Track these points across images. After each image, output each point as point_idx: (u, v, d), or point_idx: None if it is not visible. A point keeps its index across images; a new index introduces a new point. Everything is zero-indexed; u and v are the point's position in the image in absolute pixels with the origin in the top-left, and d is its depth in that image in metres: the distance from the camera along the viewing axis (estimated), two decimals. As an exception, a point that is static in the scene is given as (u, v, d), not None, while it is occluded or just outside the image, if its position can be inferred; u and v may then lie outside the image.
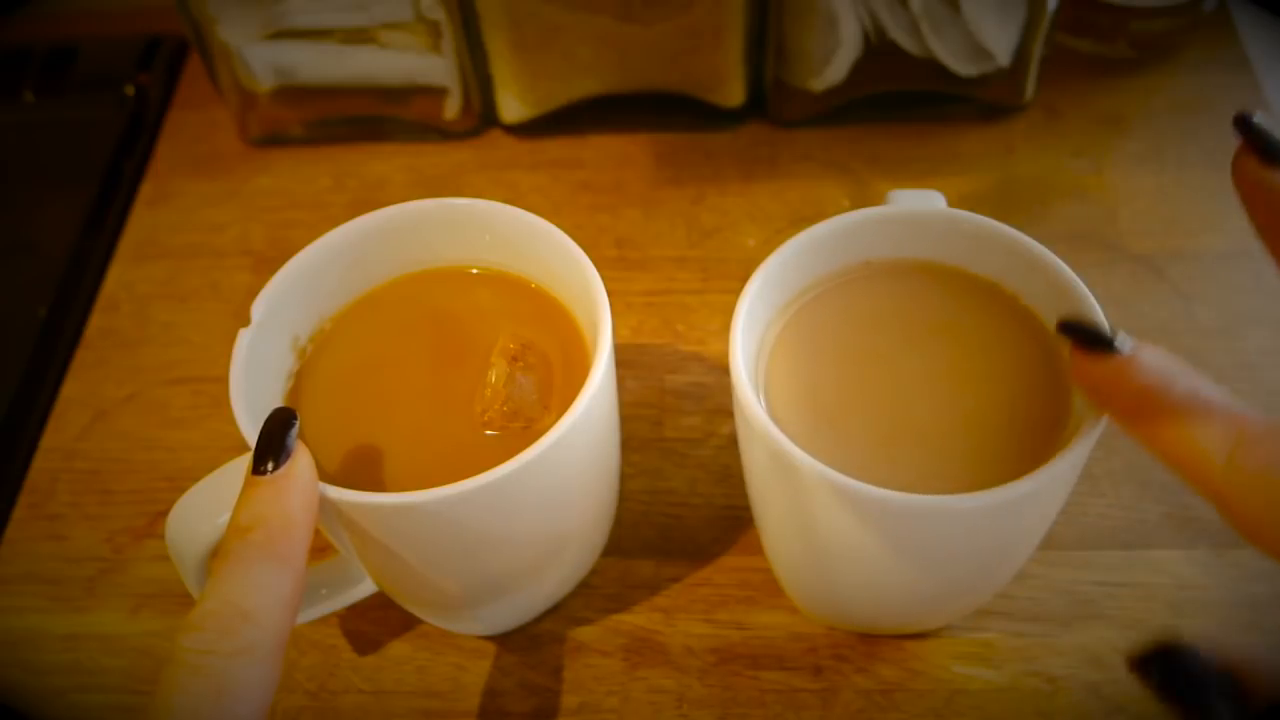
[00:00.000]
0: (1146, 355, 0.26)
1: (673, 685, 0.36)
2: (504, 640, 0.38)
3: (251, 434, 0.29)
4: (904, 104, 0.51)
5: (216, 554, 0.28)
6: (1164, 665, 0.22)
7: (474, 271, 0.37)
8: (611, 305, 0.32)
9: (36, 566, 0.41)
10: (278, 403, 0.33)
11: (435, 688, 0.37)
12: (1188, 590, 0.37)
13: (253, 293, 0.33)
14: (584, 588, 0.38)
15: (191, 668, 0.24)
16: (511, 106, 0.51)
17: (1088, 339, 0.27)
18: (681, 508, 0.40)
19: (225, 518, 0.28)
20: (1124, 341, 0.26)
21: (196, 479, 0.30)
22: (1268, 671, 0.22)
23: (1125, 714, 0.35)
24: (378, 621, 0.38)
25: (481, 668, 0.37)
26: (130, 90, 0.56)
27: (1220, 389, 0.25)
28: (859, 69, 0.49)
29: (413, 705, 0.36)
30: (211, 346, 0.47)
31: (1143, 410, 0.25)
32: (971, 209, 0.33)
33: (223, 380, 0.31)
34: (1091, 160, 0.50)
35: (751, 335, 0.32)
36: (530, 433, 0.31)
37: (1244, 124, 0.26)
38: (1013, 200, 0.49)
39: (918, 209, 0.34)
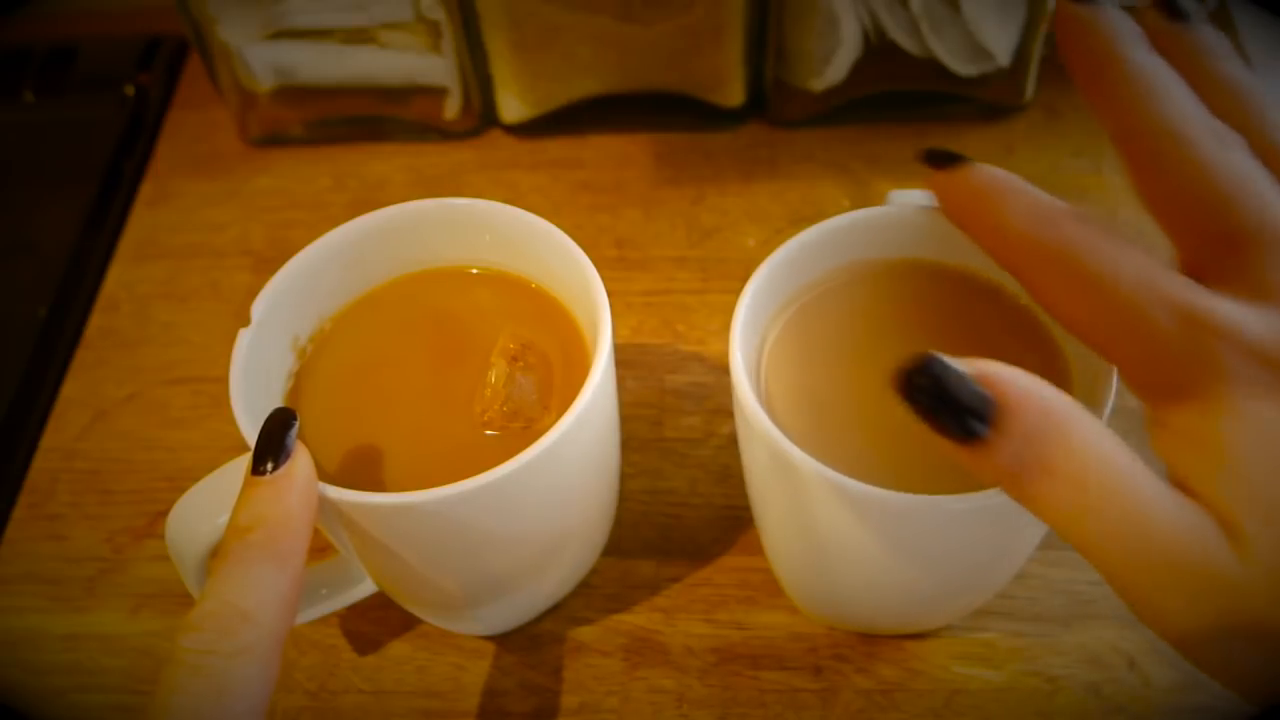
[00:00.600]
0: (983, 169, 0.27)
1: (673, 685, 0.36)
2: (504, 640, 0.38)
3: (251, 434, 0.29)
4: (904, 104, 0.51)
5: (216, 554, 0.28)
6: (930, 385, 0.23)
7: (474, 271, 0.37)
8: (611, 305, 0.32)
9: (36, 566, 0.41)
10: (278, 403, 0.33)
11: (435, 688, 0.37)
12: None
13: (253, 293, 0.33)
14: (584, 588, 0.38)
15: (191, 667, 0.24)
16: (511, 106, 0.51)
17: (936, 158, 0.28)
18: (681, 508, 0.40)
19: (225, 518, 0.28)
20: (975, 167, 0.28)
21: (196, 479, 0.30)
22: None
23: (1125, 714, 0.35)
24: (378, 621, 0.38)
25: (481, 668, 0.37)
26: (130, 90, 0.56)
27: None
28: (859, 69, 0.49)
29: (413, 705, 0.36)
30: (211, 346, 0.47)
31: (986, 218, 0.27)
32: (971, 209, 0.33)
33: (223, 380, 0.31)
34: (1091, 160, 0.50)
35: (751, 335, 0.32)
36: (530, 433, 0.31)
37: None
38: (1013, 200, 0.49)
39: (917, 209, 0.34)
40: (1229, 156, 0.25)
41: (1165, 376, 0.24)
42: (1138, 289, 0.24)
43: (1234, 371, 0.23)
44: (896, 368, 0.23)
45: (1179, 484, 0.24)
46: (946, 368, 0.23)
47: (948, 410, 0.23)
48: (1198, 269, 0.25)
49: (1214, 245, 0.25)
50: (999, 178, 0.27)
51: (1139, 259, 0.24)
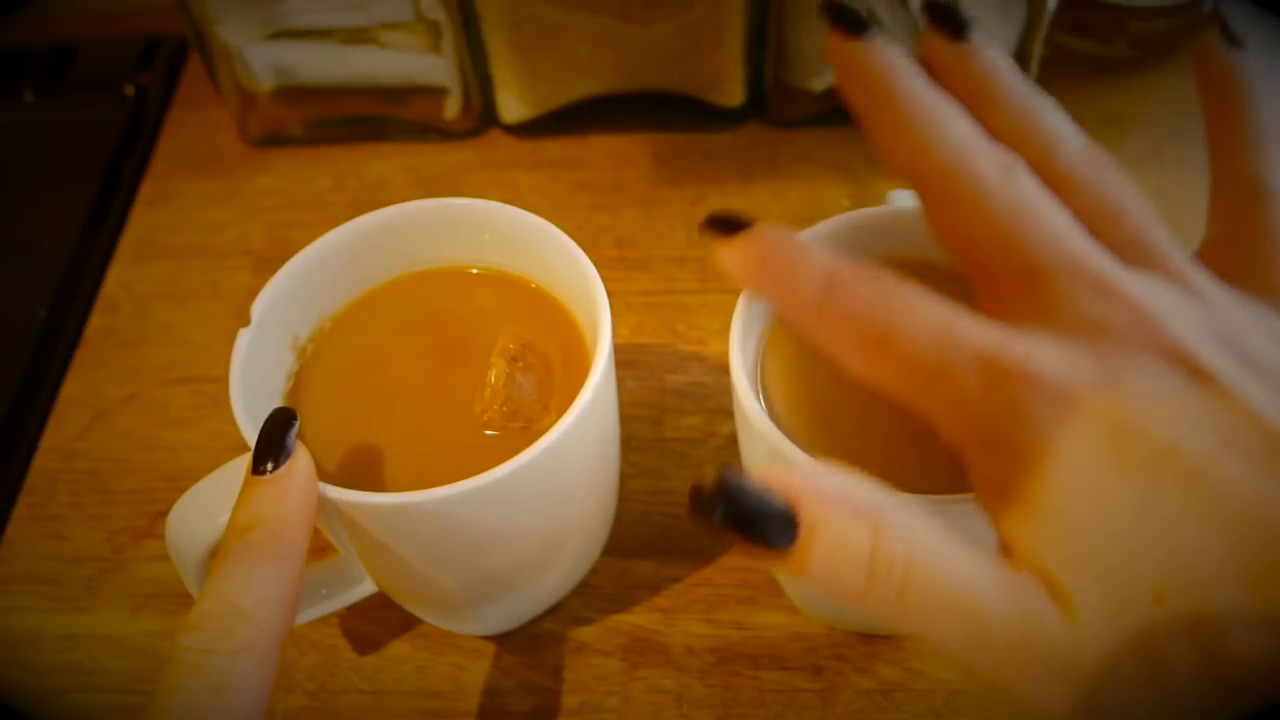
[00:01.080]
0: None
1: (673, 685, 0.36)
2: (504, 640, 0.38)
3: (251, 434, 0.29)
4: (904, 104, 0.51)
5: (216, 554, 0.28)
6: (730, 502, 0.21)
7: (474, 271, 0.37)
8: (611, 305, 0.32)
9: (36, 566, 0.41)
10: (278, 403, 0.33)
11: (435, 688, 0.37)
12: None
13: (253, 293, 0.33)
14: (584, 588, 0.38)
15: (191, 667, 0.24)
16: (511, 106, 0.51)
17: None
18: (681, 508, 0.40)
19: (225, 518, 0.28)
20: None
21: (196, 479, 0.30)
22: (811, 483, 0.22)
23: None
24: (378, 621, 0.38)
25: (481, 668, 0.37)
26: (130, 90, 0.56)
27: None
28: (859, 69, 0.49)
29: (413, 705, 0.36)
30: (211, 346, 0.47)
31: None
32: (971, 209, 0.33)
33: (223, 380, 0.31)
34: (1091, 160, 0.50)
35: (751, 335, 0.32)
36: (530, 433, 0.31)
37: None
38: (1013, 200, 0.49)
39: (917, 209, 0.34)
40: (1012, 186, 0.24)
41: (976, 432, 0.23)
42: (932, 344, 0.23)
43: (1038, 417, 0.22)
44: (692, 486, 0.22)
45: (1006, 550, 0.22)
46: (740, 486, 0.21)
47: (748, 527, 0.21)
48: (1000, 307, 0.24)
49: (1010, 280, 0.24)
50: (780, 242, 0.26)
51: (933, 311, 0.23)
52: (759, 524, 0.21)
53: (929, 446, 0.31)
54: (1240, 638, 0.20)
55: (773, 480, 0.21)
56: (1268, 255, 0.25)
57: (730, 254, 0.26)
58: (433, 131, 0.53)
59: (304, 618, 0.35)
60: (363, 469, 0.32)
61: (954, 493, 0.27)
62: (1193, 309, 0.23)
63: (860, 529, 0.21)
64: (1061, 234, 0.24)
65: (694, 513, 0.21)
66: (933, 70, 0.27)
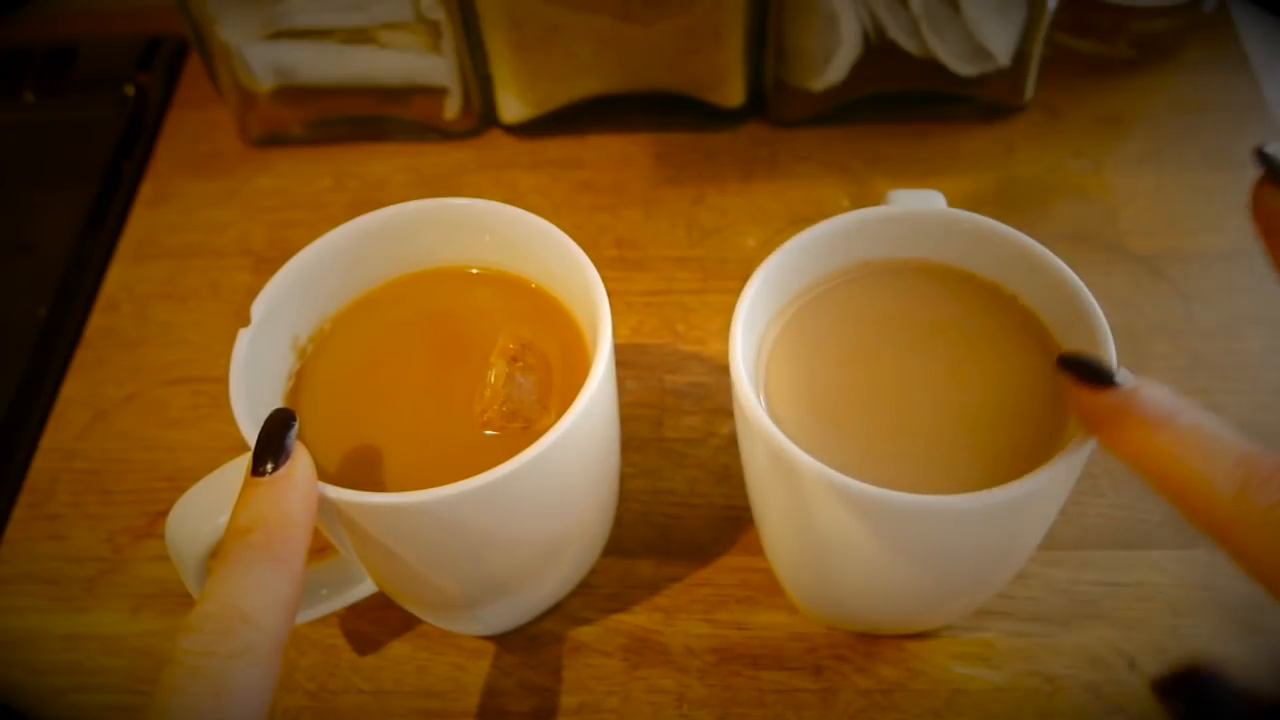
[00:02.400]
0: (1148, 390, 0.26)
1: (673, 685, 0.36)
2: (504, 640, 0.38)
3: (251, 434, 0.29)
4: (904, 104, 0.51)
5: (216, 554, 0.28)
6: (1190, 693, 0.22)
7: (474, 271, 0.37)
8: (611, 305, 0.32)
9: (36, 566, 0.41)
10: (278, 403, 0.33)
11: (435, 688, 0.37)
12: (1188, 590, 0.37)
13: (253, 293, 0.33)
14: (584, 588, 0.38)
15: (190, 669, 0.24)
16: (511, 106, 0.51)
17: (1088, 373, 0.26)
18: (681, 508, 0.40)
19: (225, 518, 0.28)
20: (1125, 377, 0.26)
21: (196, 479, 0.30)
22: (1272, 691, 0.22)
23: (1125, 714, 0.35)
24: (378, 621, 0.38)
25: (481, 668, 0.37)
26: (130, 90, 0.56)
27: (1226, 424, 0.24)
28: (859, 69, 0.49)
29: (413, 705, 0.36)
30: (211, 346, 0.47)
31: (1145, 444, 0.25)
32: (971, 209, 0.33)
33: (223, 380, 0.31)
34: (1091, 160, 0.50)
35: (751, 335, 0.32)
36: (530, 433, 0.31)
37: (1263, 156, 0.27)
38: (1013, 200, 0.49)
39: (917, 209, 0.34)
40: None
41: None
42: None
43: None
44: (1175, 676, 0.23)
45: None
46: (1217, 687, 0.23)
47: None
48: None
49: None
50: (1177, 411, 0.25)
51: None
52: None
53: (929, 446, 0.31)
54: None
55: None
56: None
57: (1100, 408, 0.26)
58: (433, 131, 0.53)
59: (304, 618, 0.35)
60: (363, 469, 0.32)
61: (953, 493, 0.27)
62: None
63: None
64: None
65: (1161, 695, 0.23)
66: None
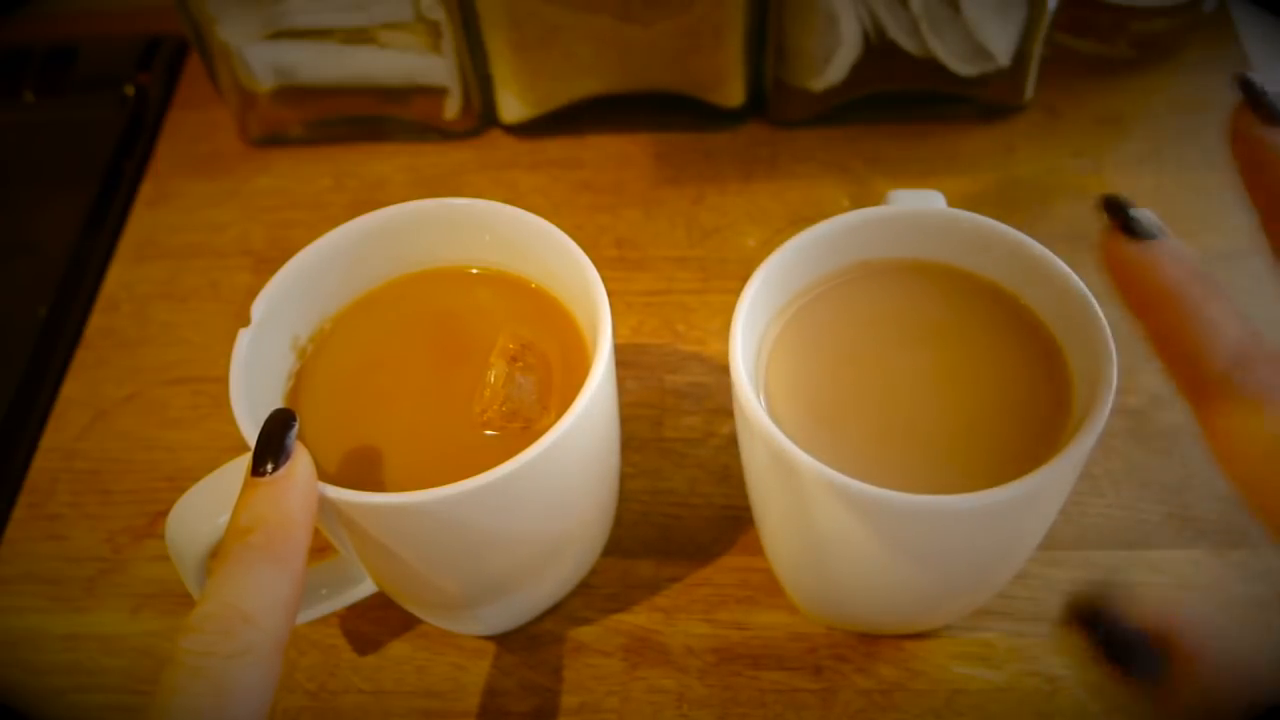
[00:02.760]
0: (1175, 246, 0.25)
1: (673, 685, 0.36)
2: (504, 640, 0.38)
3: (251, 434, 0.29)
4: (904, 104, 0.51)
5: (216, 555, 0.28)
6: (1105, 629, 0.22)
7: (474, 271, 0.37)
8: (611, 305, 0.32)
9: (36, 566, 0.41)
10: (278, 403, 0.33)
11: (435, 688, 0.37)
12: (1188, 590, 0.37)
13: (253, 293, 0.33)
14: (584, 588, 0.38)
15: (191, 669, 0.24)
16: (511, 106, 0.51)
17: (1127, 222, 0.26)
18: (681, 508, 0.40)
19: (225, 518, 0.28)
20: (1158, 229, 0.26)
21: (196, 479, 0.30)
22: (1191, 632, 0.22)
23: (1125, 714, 0.35)
24: (378, 621, 0.38)
25: (481, 668, 0.37)
26: (130, 90, 0.56)
27: (1238, 309, 0.24)
28: (859, 69, 0.49)
29: (413, 705, 0.36)
30: (211, 346, 0.47)
31: (1160, 300, 0.25)
32: (971, 209, 0.33)
33: (223, 380, 0.31)
34: (1091, 160, 0.50)
35: (751, 335, 0.32)
36: (529, 433, 0.31)
37: (1245, 83, 0.26)
38: (1013, 200, 0.49)
39: (917, 209, 0.34)
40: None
41: None
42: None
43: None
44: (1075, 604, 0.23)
45: None
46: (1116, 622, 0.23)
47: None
48: None
49: None
50: (1196, 278, 0.25)
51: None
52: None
53: (929, 447, 0.31)
54: None
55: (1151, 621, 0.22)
56: None
57: (1127, 257, 0.25)
58: (433, 131, 0.53)
59: (304, 618, 0.35)
60: (363, 469, 0.32)
61: (953, 493, 0.27)
62: None
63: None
64: None
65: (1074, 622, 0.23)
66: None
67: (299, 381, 0.34)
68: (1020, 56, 0.49)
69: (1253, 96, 0.26)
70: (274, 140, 0.54)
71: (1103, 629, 0.22)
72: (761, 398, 0.32)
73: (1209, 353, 0.23)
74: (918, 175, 0.50)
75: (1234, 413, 0.23)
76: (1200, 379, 0.23)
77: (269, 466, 0.27)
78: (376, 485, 0.31)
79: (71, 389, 0.46)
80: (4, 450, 0.44)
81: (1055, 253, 0.32)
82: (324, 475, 0.29)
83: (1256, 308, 0.44)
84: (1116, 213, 0.26)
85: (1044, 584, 0.37)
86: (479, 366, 0.33)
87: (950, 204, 0.35)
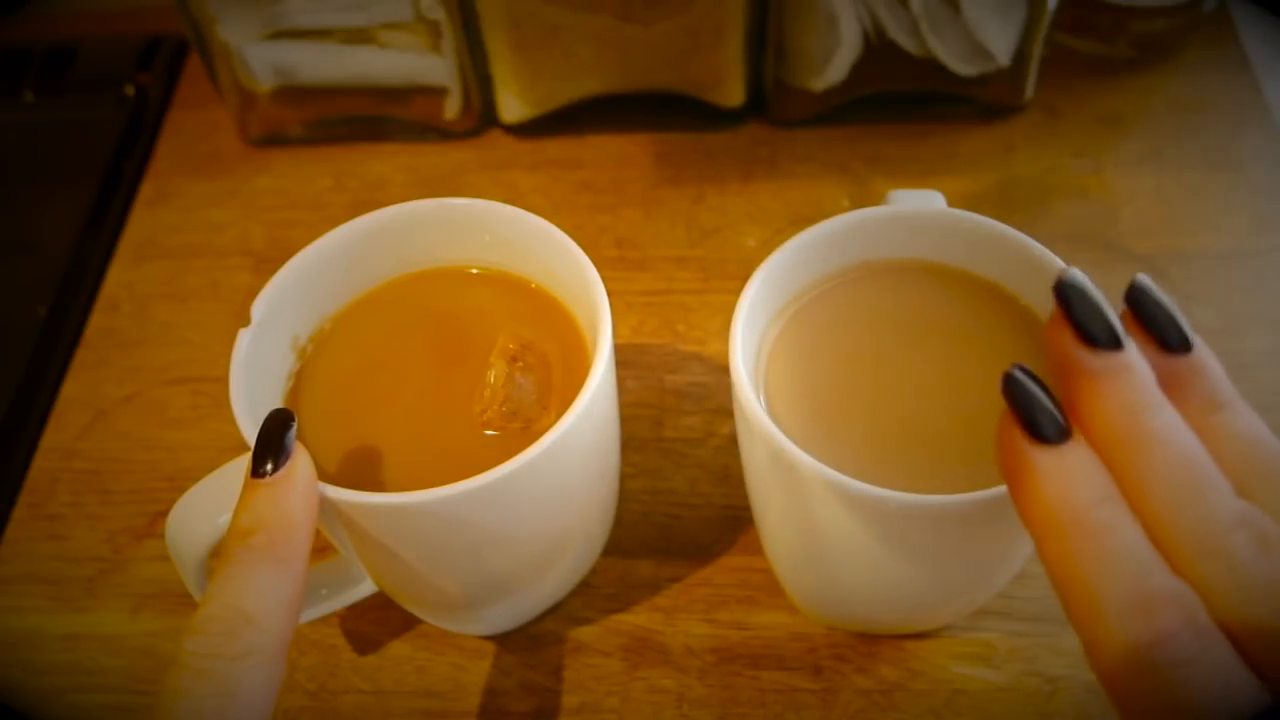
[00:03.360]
0: (1083, 456, 0.23)
1: (673, 685, 0.36)
2: (504, 640, 0.38)
3: (251, 434, 0.29)
4: (904, 104, 0.51)
5: (217, 556, 0.28)
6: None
7: (474, 271, 0.37)
8: (611, 305, 0.32)
9: (36, 566, 0.41)
10: (278, 403, 0.33)
11: (435, 688, 0.37)
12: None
13: (253, 293, 0.33)
14: (584, 588, 0.38)
15: (195, 671, 0.24)
16: (511, 106, 0.51)
17: (1027, 417, 0.24)
18: (681, 508, 0.40)
19: (225, 518, 0.28)
20: (1064, 429, 0.24)
21: (196, 479, 0.30)
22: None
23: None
24: (378, 621, 0.38)
25: (481, 668, 0.37)
26: (130, 90, 0.56)
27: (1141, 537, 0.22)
28: (859, 69, 0.49)
29: (413, 705, 0.36)
30: (211, 346, 0.47)
31: (1056, 528, 0.23)
32: (971, 209, 0.33)
33: (223, 380, 0.31)
34: (1091, 160, 0.50)
35: (751, 335, 0.32)
36: (529, 433, 0.31)
37: (1061, 288, 0.24)
38: (1013, 200, 0.49)
39: (918, 209, 0.34)
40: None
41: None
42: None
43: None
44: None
45: None
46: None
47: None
48: None
49: None
50: (1100, 515, 0.23)
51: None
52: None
53: (930, 446, 0.31)
54: None
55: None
56: None
57: (1024, 463, 0.24)
58: (433, 131, 0.53)
59: (304, 618, 0.35)
60: (363, 469, 0.32)
61: (953, 493, 0.27)
62: None
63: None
64: None
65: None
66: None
67: (299, 381, 0.34)
68: (1020, 56, 0.49)
69: (1067, 304, 0.24)
70: (274, 140, 0.54)
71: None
72: (761, 398, 0.32)
73: (1103, 598, 0.22)
74: (918, 175, 0.50)
75: (1124, 664, 0.21)
76: (1092, 621, 0.22)
77: (269, 466, 0.27)
78: (376, 485, 0.31)
79: (71, 389, 0.46)
80: (4, 450, 0.44)
81: (1055, 253, 0.32)
82: (324, 475, 0.29)
83: (1257, 307, 0.44)
84: (1019, 403, 0.24)
85: (1044, 584, 0.37)
86: (479, 366, 0.33)
87: (950, 204, 0.35)
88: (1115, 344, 0.23)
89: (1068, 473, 0.23)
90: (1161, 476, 0.23)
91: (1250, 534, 0.22)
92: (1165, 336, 0.24)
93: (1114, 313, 0.24)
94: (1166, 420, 0.23)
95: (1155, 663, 0.21)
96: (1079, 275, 0.24)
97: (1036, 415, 0.23)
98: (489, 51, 0.49)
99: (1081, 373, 0.23)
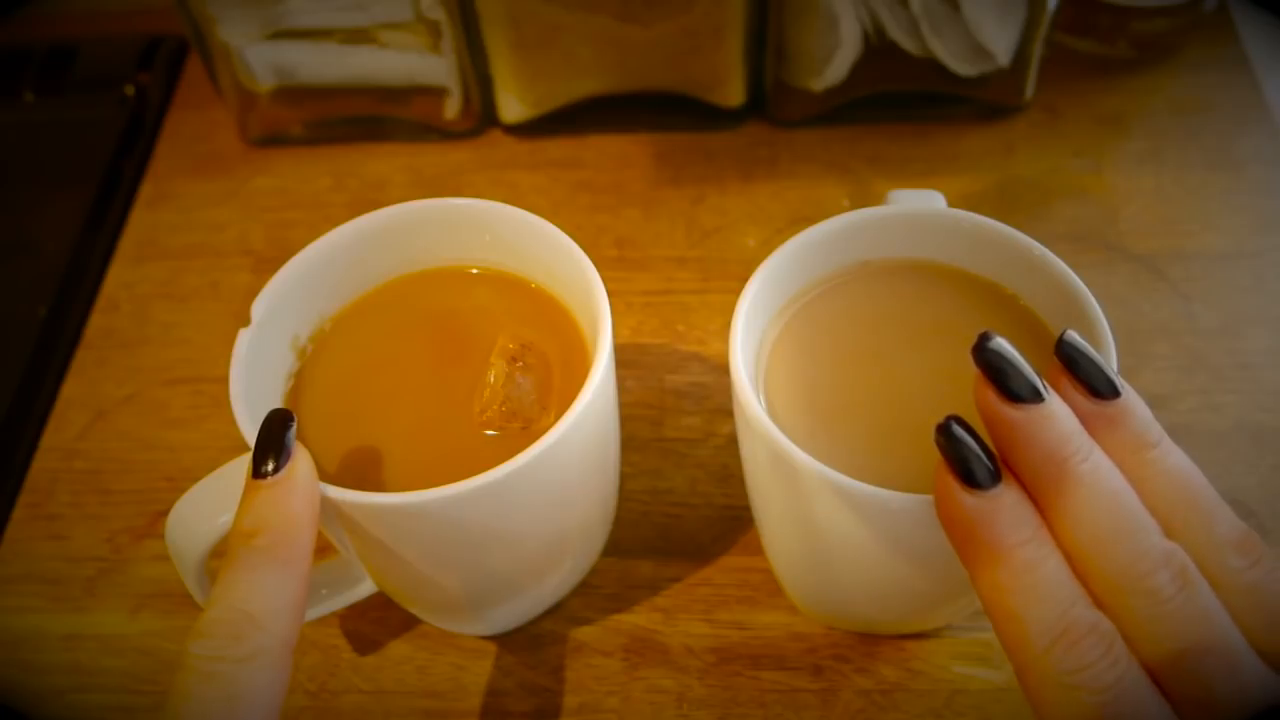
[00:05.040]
0: (1013, 496, 0.25)
1: (673, 685, 0.36)
2: (504, 640, 0.38)
3: (251, 434, 0.29)
4: (904, 104, 0.51)
5: (219, 556, 0.28)
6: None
7: (474, 271, 0.37)
8: (611, 305, 0.32)
9: (36, 566, 0.41)
10: (278, 403, 0.33)
11: (435, 688, 0.37)
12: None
13: (253, 293, 0.33)
14: (584, 588, 0.38)
15: (202, 674, 0.24)
16: (511, 106, 0.51)
17: (958, 462, 0.25)
18: (681, 508, 0.40)
19: (225, 518, 0.28)
20: (994, 474, 0.25)
21: (196, 479, 0.30)
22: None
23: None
24: (378, 621, 0.38)
25: (481, 668, 0.37)
26: (130, 90, 0.56)
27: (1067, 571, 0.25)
28: (859, 69, 0.49)
29: (413, 705, 0.36)
30: (211, 346, 0.47)
31: (986, 558, 0.25)
32: (971, 209, 0.33)
33: (223, 380, 0.31)
34: (1091, 160, 0.50)
35: (751, 335, 0.32)
36: (529, 433, 0.31)
37: (981, 352, 0.25)
38: (1013, 200, 0.49)
39: (917, 209, 0.34)
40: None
41: None
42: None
43: None
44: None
45: None
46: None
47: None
48: None
49: None
50: (1024, 545, 0.25)
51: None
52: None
53: (929, 446, 0.31)
54: None
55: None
56: None
57: (956, 506, 0.25)
58: (433, 131, 0.53)
59: (304, 618, 0.35)
60: (363, 469, 0.32)
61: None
62: None
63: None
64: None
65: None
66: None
67: (299, 381, 0.34)
68: (1020, 56, 0.49)
69: (990, 369, 0.25)
70: (274, 140, 0.54)
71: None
72: (761, 398, 0.32)
73: (1030, 629, 0.24)
74: (918, 175, 0.50)
75: (1050, 689, 0.23)
76: (1020, 648, 0.24)
77: (269, 467, 0.27)
78: (376, 485, 0.31)
79: (71, 389, 0.46)
80: (4, 450, 0.44)
81: (1055, 252, 0.32)
82: (324, 475, 0.29)
83: (1257, 307, 0.44)
84: (953, 454, 0.25)
85: (1044, 584, 0.37)
86: (479, 366, 0.33)
87: (950, 204, 0.35)
88: (1036, 397, 0.25)
89: (998, 514, 0.25)
90: (1088, 517, 0.24)
91: (1172, 573, 0.24)
92: (1094, 385, 0.26)
93: (1031, 370, 0.26)
94: (1095, 464, 0.25)
95: (1075, 687, 0.23)
96: (1000, 342, 0.26)
97: (970, 464, 0.25)
98: (489, 51, 0.49)
99: (1007, 423, 0.25)
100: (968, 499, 0.25)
